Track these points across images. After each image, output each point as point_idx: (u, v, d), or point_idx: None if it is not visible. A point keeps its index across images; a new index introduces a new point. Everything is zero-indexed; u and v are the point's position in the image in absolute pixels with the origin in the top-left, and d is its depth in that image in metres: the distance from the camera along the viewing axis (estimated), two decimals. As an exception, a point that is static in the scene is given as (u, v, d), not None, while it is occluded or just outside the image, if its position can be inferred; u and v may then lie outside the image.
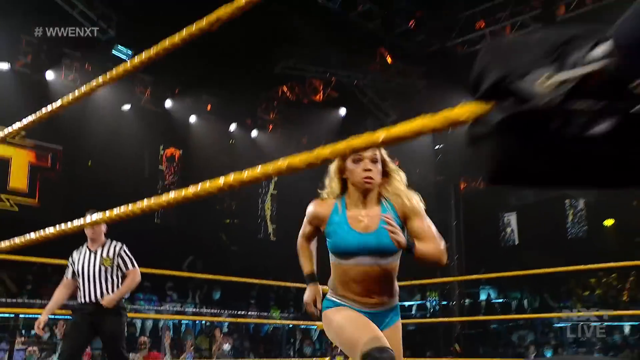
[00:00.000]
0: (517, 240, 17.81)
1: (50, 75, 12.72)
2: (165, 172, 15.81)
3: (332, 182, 2.88)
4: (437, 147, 15.44)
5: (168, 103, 14.87)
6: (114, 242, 5.25)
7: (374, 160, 2.76)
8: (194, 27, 1.65)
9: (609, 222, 16.67)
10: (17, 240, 2.26)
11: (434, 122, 1.17)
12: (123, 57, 12.89)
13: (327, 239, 2.86)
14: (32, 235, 2.19)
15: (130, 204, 1.75)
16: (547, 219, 16.81)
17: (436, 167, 15.57)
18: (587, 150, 0.97)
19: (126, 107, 14.21)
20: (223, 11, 1.56)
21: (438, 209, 13.45)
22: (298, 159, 1.33)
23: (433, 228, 2.76)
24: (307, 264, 3.07)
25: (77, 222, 2.05)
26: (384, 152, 2.82)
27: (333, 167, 2.87)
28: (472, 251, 14.87)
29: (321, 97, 16.02)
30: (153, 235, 13.56)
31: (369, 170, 2.74)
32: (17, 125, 2.31)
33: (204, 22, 1.62)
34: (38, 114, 2.16)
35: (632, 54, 0.87)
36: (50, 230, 2.09)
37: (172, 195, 1.62)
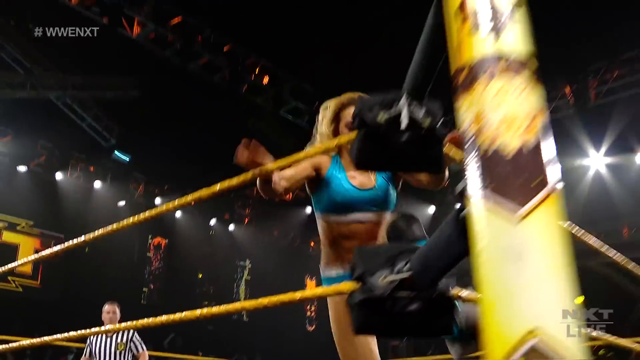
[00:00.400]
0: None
1: (59, 175, 13.22)
2: (152, 259, 16.01)
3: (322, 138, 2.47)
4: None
5: (157, 200, 15.29)
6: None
7: None
8: (188, 197, 2.21)
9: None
10: (47, 338, 2.74)
11: (328, 291, 1.74)
12: (123, 158, 13.48)
13: (320, 195, 2.46)
14: (58, 336, 2.67)
15: (134, 321, 2.28)
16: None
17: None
18: (408, 317, 1.53)
19: (121, 203, 14.63)
20: (205, 192, 2.13)
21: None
22: (248, 304, 1.87)
23: None
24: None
25: (95, 329, 2.55)
26: None
27: (323, 132, 2.49)
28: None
29: (290, 197, 16.54)
30: (140, 316, 13.67)
31: None
32: (59, 247, 2.78)
33: (198, 194, 2.18)
34: (87, 237, 2.60)
35: (416, 275, 1.45)
36: (72, 333, 2.58)
37: (164, 317, 2.17)
